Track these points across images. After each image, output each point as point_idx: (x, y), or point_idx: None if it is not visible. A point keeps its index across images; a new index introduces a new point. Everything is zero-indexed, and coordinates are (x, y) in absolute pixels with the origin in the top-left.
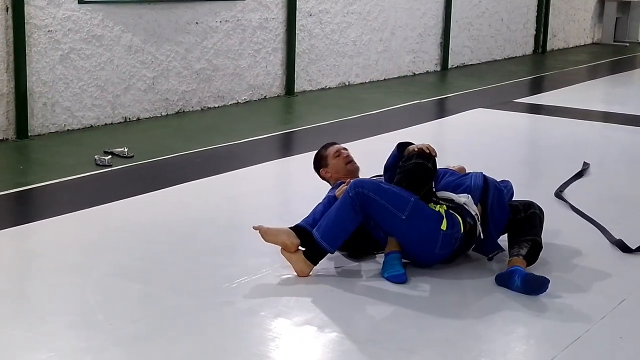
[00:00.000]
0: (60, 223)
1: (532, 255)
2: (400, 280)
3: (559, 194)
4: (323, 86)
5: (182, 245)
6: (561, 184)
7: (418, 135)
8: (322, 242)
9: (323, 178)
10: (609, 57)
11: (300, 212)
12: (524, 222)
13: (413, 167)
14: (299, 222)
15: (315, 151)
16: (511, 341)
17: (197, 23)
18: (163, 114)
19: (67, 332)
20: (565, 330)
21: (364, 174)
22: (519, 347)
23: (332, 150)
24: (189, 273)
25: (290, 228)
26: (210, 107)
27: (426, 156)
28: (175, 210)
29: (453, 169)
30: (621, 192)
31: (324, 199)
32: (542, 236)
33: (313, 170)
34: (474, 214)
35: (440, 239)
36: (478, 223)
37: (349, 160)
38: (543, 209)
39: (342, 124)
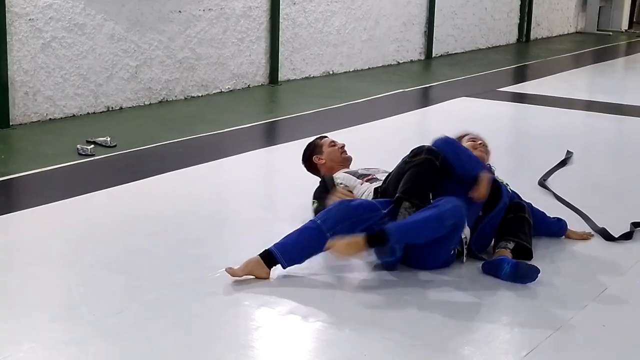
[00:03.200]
0: (42, 213)
1: (519, 254)
2: (393, 267)
3: (542, 183)
4: (307, 75)
5: (166, 235)
6: (545, 172)
7: (402, 124)
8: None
9: (312, 167)
10: (593, 46)
11: (285, 201)
12: (513, 223)
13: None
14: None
15: (300, 140)
16: (495, 329)
17: (180, 11)
18: (146, 103)
19: (50, 324)
20: (549, 319)
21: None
22: (502, 335)
23: (327, 140)
24: (173, 264)
25: (260, 255)
26: (193, 96)
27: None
28: (159, 200)
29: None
30: (604, 181)
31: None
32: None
33: (300, 159)
34: (463, 237)
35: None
36: (465, 248)
37: (344, 150)
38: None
39: (326, 113)
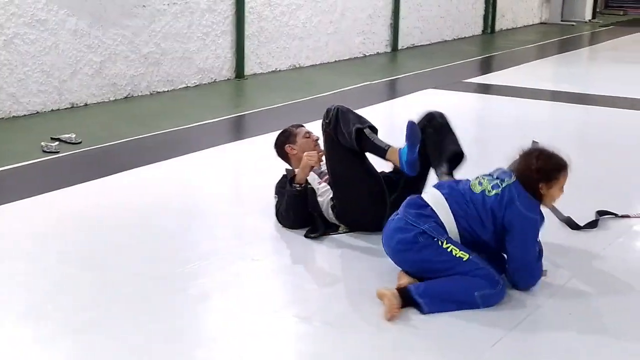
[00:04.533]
0: (8, 211)
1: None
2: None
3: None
4: (273, 69)
5: (134, 231)
6: (510, 162)
7: (370, 116)
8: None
9: (284, 155)
10: (557, 37)
11: (253, 194)
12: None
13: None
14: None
15: (268, 133)
16: (458, 323)
17: (144, 6)
18: (111, 99)
19: (17, 322)
20: (515, 309)
21: None
22: (468, 329)
23: (302, 130)
24: (142, 259)
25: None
26: (159, 92)
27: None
28: (127, 196)
29: None
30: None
31: None
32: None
33: (268, 151)
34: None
35: None
36: None
37: (318, 144)
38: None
39: (293, 107)
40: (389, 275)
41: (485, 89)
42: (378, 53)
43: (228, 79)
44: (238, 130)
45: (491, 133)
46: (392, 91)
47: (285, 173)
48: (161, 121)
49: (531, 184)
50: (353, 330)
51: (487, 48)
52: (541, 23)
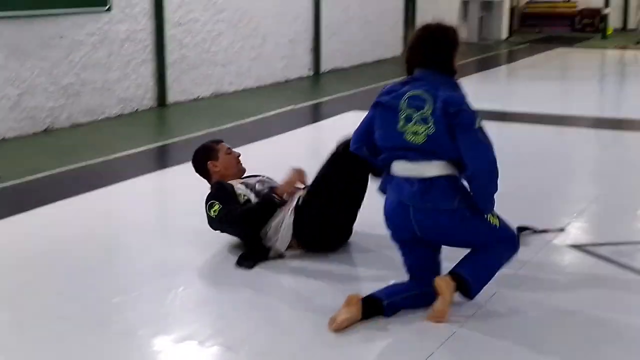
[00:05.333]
0: None
1: None
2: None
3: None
4: (196, 96)
5: (54, 266)
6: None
7: (294, 140)
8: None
9: (204, 171)
10: (475, 56)
11: (177, 225)
12: None
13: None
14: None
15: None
16: (383, 344)
17: (61, 37)
18: (30, 132)
19: None
20: (439, 328)
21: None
22: (397, 345)
23: (224, 146)
24: (62, 296)
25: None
26: (80, 123)
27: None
28: (47, 231)
29: None
30: None
31: None
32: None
33: (191, 162)
34: None
35: None
36: None
37: (240, 161)
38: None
39: (217, 134)
40: (320, 299)
41: None
42: (301, 77)
43: (150, 108)
44: (161, 159)
45: None
46: (316, 114)
47: (218, 181)
48: (82, 153)
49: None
50: (280, 358)
51: None
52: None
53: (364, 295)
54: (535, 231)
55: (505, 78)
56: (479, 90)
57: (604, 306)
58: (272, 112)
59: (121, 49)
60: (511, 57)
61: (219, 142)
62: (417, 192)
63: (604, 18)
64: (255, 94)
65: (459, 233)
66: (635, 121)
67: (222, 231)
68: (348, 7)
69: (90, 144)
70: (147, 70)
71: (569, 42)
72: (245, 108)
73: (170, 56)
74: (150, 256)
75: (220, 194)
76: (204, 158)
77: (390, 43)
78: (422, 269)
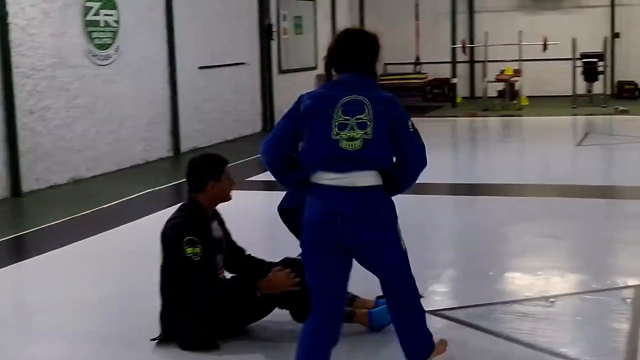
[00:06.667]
0: None
1: None
2: None
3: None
4: (52, 184)
5: None
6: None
7: (153, 224)
8: None
9: (198, 184)
10: None
11: (41, 321)
12: None
13: None
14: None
15: (50, 252)
16: None
17: None
18: None
19: None
20: None
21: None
22: None
23: (227, 170)
24: None
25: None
26: None
27: None
28: None
29: None
30: None
31: None
32: None
33: (192, 164)
34: None
35: None
36: None
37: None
38: None
39: (74, 221)
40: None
41: (269, 186)
42: (161, 158)
43: (4, 199)
44: (18, 251)
45: (276, 228)
46: (178, 195)
47: (201, 211)
48: None
49: None
50: None
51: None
52: None
53: None
54: None
55: None
56: None
57: None
58: (132, 196)
59: None
60: None
61: (227, 162)
62: (355, 200)
63: (452, 87)
64: (113, 178)
65: (387, 246)
66: (486, 185)
67: (185, 276)
68: (205, 87)
69: None
70: None
71: (421, 111)
72: (104, 193)
73: (23, 145)
74: (9, 355)
75: (202, 233)
76: (207, 174)
77: (249, 120)
78: (331, 290)
